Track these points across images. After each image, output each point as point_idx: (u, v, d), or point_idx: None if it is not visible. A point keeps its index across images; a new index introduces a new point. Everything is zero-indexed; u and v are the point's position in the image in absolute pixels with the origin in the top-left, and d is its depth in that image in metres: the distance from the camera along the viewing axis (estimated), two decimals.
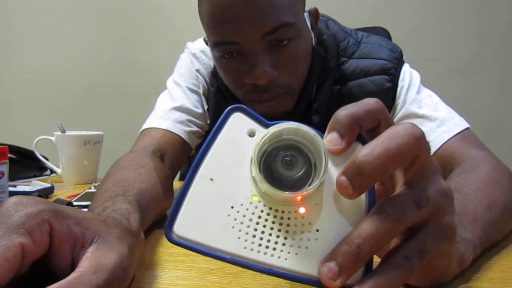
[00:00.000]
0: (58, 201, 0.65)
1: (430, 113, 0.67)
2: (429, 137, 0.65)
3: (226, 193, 0.26)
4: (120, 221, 0.34)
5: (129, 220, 0.36)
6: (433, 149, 0.64)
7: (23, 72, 1.98)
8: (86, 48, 1.94)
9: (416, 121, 0.68)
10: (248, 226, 0.25)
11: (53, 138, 0.95)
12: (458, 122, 0.65)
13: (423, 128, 0.66)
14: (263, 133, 0.25)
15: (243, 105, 0.27)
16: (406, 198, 0.24)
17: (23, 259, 0.25)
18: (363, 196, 0.25)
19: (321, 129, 0.26)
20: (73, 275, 0.25)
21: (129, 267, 0.29)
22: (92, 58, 1.94)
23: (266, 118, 0.27)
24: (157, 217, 0.53)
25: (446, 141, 0.63)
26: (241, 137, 0.27)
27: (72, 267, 0.27)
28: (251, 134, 0.27)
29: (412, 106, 0.69)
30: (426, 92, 0.71)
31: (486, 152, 0.60)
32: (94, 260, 0.26)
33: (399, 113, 0.70)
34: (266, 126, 0.27)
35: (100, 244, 0.27)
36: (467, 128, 0.65)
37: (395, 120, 0.70)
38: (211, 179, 0.26)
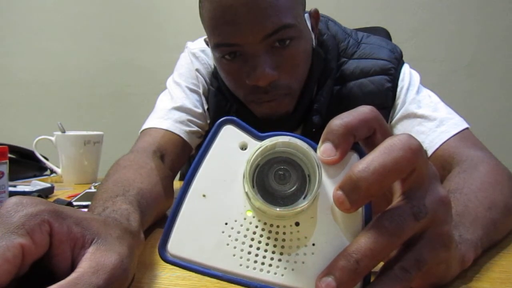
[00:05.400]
0: (58, 201, 0.65)
1: (429, 113, 0.67)
2: (428, 137, 0.65)
3: (219, 210, 0.25)
4: (120, 221, 0.34)
5: (129, 220, 0.36)
6: (432, 149, 0.64)
7: (23, 72, 1.98)
8: (86, 48, 1.94)
9: (415, 121, 0.68)
10: (243, 243, 0.25)
11: (53, 138, 0.95)
12: (457, 122, 0.65)
13: (422, 128, 0.66)
14: (254, 148, 0.25)
15: (234, 117, 0.26)
16: (404, 210, 0.24)
17: (23, 260, 0.25)
18: (359, 209, 0.25)
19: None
20: (73, 275, 0.25)
21: (129, 267, 0.29)
22: (92, 58, 1.94)
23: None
24: (157, 217, 0.53)
25: (445, 141, 0.63)
26: (233, 151, 0.26)
27: (72, 267, 0.27)
28: (243, 147, 0.26)
29: (412, 106, 0.69)
30: (426, 92, 0.71)
31: (485, 152, 0.60)
32: (94, 261, 0.26)
33: (399, 113, 0.70)
34: (258, 138, 0.26)
35: (100, 245, 0.27)
36: (466, 128, 0.65)
37: (395, 120, 0.71)
38: (204, 195, 0.25)
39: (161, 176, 0.56)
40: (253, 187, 0.24)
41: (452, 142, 0.63)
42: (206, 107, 0.76)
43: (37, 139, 0.96)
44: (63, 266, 0.27)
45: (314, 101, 0.69)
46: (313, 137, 0.25)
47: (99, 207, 0.38)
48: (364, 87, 0.71)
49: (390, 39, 1.09)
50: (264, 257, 0.24)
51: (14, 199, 0.27)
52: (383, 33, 1.12)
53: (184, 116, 0.72)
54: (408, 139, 0.24)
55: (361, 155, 0.26)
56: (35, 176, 1.04)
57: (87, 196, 0.69)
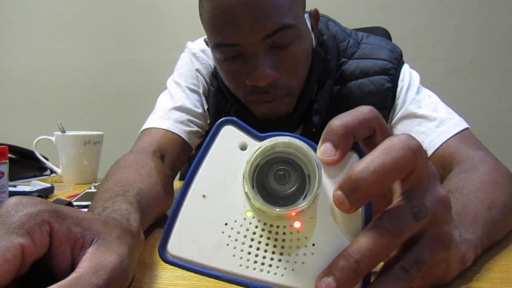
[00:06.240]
0: (58, 201, 0.65)
1: (429, 113, 0.67)
2: (428, 137, 0.65)
3: (219, 210, 0.25)
4: (120, 222, 0.34)
5: (129, 220, 0.36)
6: (432, 149, 0.64)
7: (23, 72, 1.98)
8: (86, 48, 1.94)
9: (415, 121, 0.68)
10: (243, 243, 0.25)
11: (53, 138, 0.95)
12: (457, 122, 0.65)
13: (422, 128, 0.66)
14: (254, 148, 0.25)
15: (234, 118, 0.27)
16: (404, 210, 0.24)
17: (23, 260, 0.25)
18: (359, 209, 0.25)
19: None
20: (72, 275, 0.25)
21: (129, 268, 0.29)
22: (92, 58, 1.94)
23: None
24: (157, 217, 0.53)
25: (445, 141, 0.63)
26: (233, 151, 0.26)
27: (72, 267, 0.27)
28: (243, 148, 0.26)
29: (412, 106, 0.69)
30: (426, 92, 0.71)
31: (485, 152, 0.60)
32: (94, 261, 0.26)
33: (399, 113, 0.70)
34: (258, 138, 0.26)
35: (100, 245, 0.27)
36: (466, 128, 0.65)
37: (395, 120, 0.71)
38: (204, 196, 0.25)
39: (161, 176, 0.56)
40: (253, 187, 0.24)
41: (452, 142, 0.63)
42: (206, 107, 0.76)
43: (37, 139, 0.96)
44: (63, 266, 0.27)
45: (314, 101, 0.69)
46: (313, 137, 0.25)
47: (99, 207, 0.38)
48: (364, 87, 0.71)
49: (390, 39, 1.09)
50: (264, 257, 0.24)
51: (14, 199, 0.27)
52: (383, 33, 1.12)
53: (184, 116, 0.72)
54: (407, 139, 0.24)
55: (361, 155, 0.26)
56: (35, 176, 1.04)
57: (87, 196, 0.69)
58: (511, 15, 1.71)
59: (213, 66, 0.76)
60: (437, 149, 0.63)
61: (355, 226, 0.25)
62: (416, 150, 0.24)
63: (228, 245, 0.25)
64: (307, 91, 0.67)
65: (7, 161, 0.61)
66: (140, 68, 1.91)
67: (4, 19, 1.97)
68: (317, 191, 0.24)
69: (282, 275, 0.24)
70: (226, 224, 0.25)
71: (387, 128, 0.27)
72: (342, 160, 0.25)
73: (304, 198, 0.24)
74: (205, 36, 0.68)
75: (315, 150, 0.25)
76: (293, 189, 0.25)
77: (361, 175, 0.23)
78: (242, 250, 0.25)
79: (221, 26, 0.59)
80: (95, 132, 0.97)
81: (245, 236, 0.25)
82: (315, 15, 0.69)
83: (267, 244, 0.25)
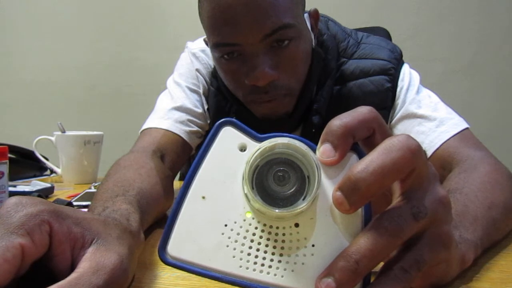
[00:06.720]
0: (58, 201, 0.65)
1: (429, 113, 0.67)
2: (428, 137, 0.65)
3: (219, 211, 0.25)
4: (120, 222, 0.34)
5: (129, 220, 0.36)
6: (432, 149, 0.64)
7: (23, 72, 1.98)
8: (86, 48, 1.94)
9: (415, 121, 0.68)
10: (243, 244, 0.25)
11: (53, 138, 0.95)
12: (457, 122, 0.65)
13: (422, 128, 0.66)
14: (253, 149, 0.25)
15: (233, 119, 0.27)
16: (404, 211, 0.24)
17: (23, 260, 0.25)
18: (359, 209, 0.25)
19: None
20: (72, 275, 0.25)
21: (129, 268, 0.29)
22: (92, 58, 1.94)
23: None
24: (157, 217, 0.53)
25: (445, 141, 0.63)
26: (232, 152, 0.26)
27: (72, 267, 0.27)
28: (242, 149, 0.26)
29: (412, 106, 0.69)
30: (426, 92, 0.71)
31: (485, 152, 0.60)
32: (93, 261, 0.26)
33: (399, 113, 0.70)
34: (257, 139, 0.26)
35: (99, 245, 0.27)
36: (466, 128, 0.65)
37: (395, 120, 0.71)
38: (203, 197, 0.25)
39: (161, 176, 0.56)
40: (253, 188, 0.24)
41: (452, 142, 0.63)
42: (206, 107, 0.76)
43: (37, 139, 0.96)
44: (63, 266, 0.27)
45: (314, 101, 0.69)
46: (312, 138, 0.25)
47: (99, 207, 0.38)
48: (364, 87, 0.71)
49: (390, 39, 1.09)
50: (264, 258, 0.24)
51: (14, 199, 0.27)
52: (383, 33, 1.12)
53: (184, 116, 0.72)
54: (407, 140, 0.24)
55: (361, 155, 0.26)
56: (35, 176, 1.04)
57: (87, 196, 0.69)
58: (511, 15, 1.71)
59: (213, 66, 0.76)
60: (437, 149, 0.63)
61: (355, 227, 0.25)
62: (416, 150, 0.24)
63: (227, 246, 0.25)
64: (307, 91, 0.67)
65: (7, 161, 0.61)
66: (140, 68, 1.91)
67: (4, 19, 1.97)
68: (316, 192, 0.24)
69: (282, 276, 0.24)
70: (225, 225, 0.25)
71: (386, 129, 0.27)
72: (342, 161, 0.25)
73: (303, 199, 0.24)
74: (205, 36, 0.68)
75: (314, 151, 0.25)
76: (292, 190, 0.25)
77: (360, 175, 0.23)
78: (241, 251, 0.25)
79: (220, 26, 0.59)
80: (95, 132, 0.97)
81: (244, 237, 0.25)
82: (315, 15, 0.69)
83: (266, 245, 0.25)
